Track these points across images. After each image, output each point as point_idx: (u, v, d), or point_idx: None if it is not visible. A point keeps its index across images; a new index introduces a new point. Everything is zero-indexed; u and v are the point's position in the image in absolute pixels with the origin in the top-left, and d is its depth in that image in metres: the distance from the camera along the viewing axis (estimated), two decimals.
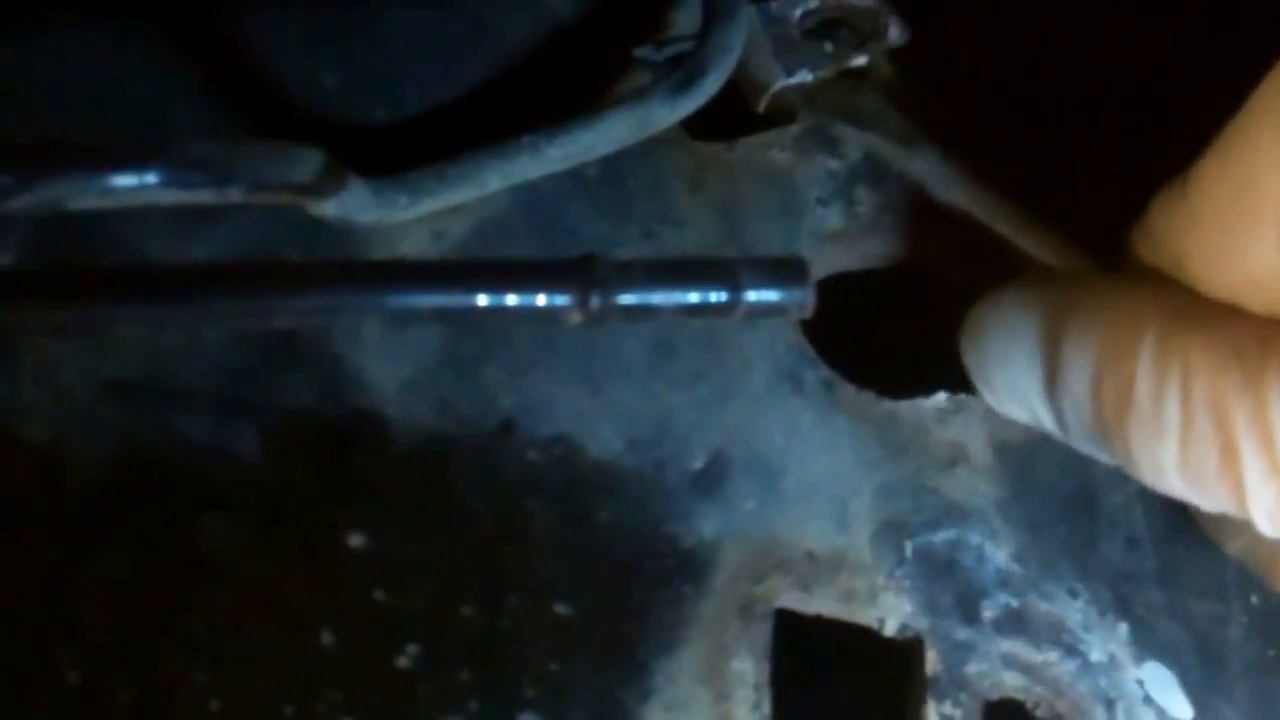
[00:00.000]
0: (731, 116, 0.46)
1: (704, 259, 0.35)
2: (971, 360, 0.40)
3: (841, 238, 0.46)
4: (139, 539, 0.36)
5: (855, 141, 0.47)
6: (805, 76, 0.46)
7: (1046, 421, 0.38)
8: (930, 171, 0.45)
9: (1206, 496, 0.34)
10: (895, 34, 0.47)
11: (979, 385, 0.41)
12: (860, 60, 0.47)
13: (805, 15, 0.47)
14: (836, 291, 0.43)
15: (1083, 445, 0.38)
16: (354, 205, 0.37)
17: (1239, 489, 0.33)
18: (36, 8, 0.39)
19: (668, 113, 0.42)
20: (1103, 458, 0.38)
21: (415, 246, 0.42)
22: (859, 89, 0.47)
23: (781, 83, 0.46)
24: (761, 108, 0.47)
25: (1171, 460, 0.34)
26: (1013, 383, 0.39)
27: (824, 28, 0.48)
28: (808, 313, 0.34)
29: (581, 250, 0.42)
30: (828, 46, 0.47)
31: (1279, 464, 0.32)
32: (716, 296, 0.33)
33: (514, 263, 0.34)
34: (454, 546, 0.38)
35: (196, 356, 0.38)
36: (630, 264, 0.34)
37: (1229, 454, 0.32)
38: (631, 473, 0.40)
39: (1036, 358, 0.37)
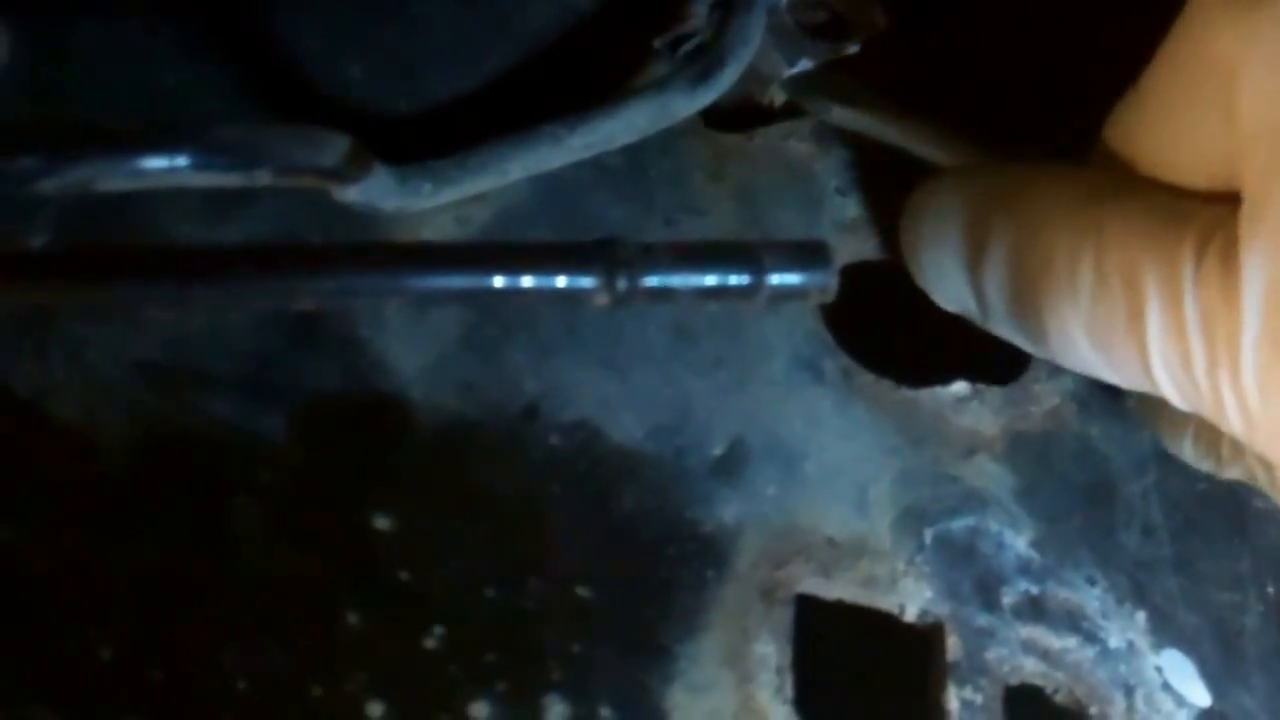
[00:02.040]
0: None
1: (727, 241, 0.35)
2: (906, 244, 0.42)
3: (860, 226, 0.47)
4: (168, 519, 0.36)
5: (854, 126, 0.47)
6: (806, 66, 0.46)
7: (970, 304, 0.40)
8: (928, 147, 0.45)
9: (1113, 364, 0.35)
10: (879, 20, 0.47)
11: (912, 269, 0.42)
12: (853, 48, 0.47)
13: (796, 6, 0.48)
14: (855, 280, 0.43)
15: (1002, 326, 0.39)
16: (379, 191, 0.37)
17: (1143, 351, 0.33)
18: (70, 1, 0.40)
19: (687, 103, 0.42)
20: (1019, 340, 0.39)
21: (439, 233, 0.42)
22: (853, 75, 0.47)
23: (787, 73, 0.46)
24: (768, 100, 0.48)
25: (1081, 325, 0.35)
26: (940, 263, 0.40)
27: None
28: (830, 296, 0.34)
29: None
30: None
31: (1184, 324, 0.32)
32: (739, 279, 0.34)
33: (539, 245, 0.34)
34: (478, 529, 0.38)
35: (224, 340, 0.39)
36: (654, 246, 0.34)
37: (1135, 316, 0.33)
38: (653, 458, 0.41)
39: (963, 236, 0.39)
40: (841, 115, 0.46)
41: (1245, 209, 0.31)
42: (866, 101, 0.46)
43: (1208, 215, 0.33)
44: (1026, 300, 0.37)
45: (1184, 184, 0.35)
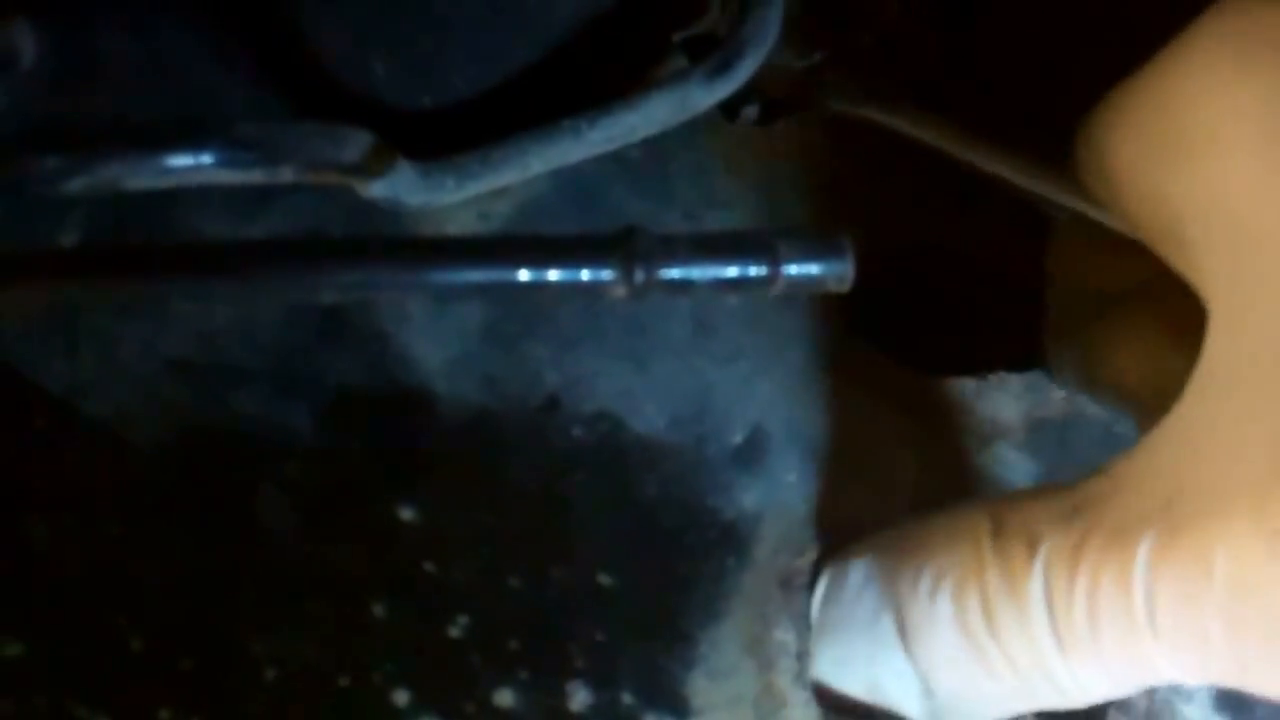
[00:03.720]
0: None
1: (744, 231, 0.36)
2: (828, 666, 0.39)
3: None
4: (198, 512, 0.37)
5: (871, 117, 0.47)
6: (816, 59, 0.47)
7: (909, 692, 0.36)
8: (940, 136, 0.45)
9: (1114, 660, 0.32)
10: (893, 10, 0.47)
11: (841, 687, 0.39)
12: (865, 39, 0.47)
13: None
14: (876, 268, 0.43)
15: (952, 698, 0.36)
16: (403, 187, 0.37)
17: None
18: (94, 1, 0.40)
19: (706, 94, 0.42)
20: (976, 702, 0.36)
21: (461, 228, 0.43)
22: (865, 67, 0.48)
23: (801, 64, 0.47)
24: (782, 93, 0.48)
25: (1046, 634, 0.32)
26: (866, 662, 0.37)
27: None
28: (847, 285, 0.35)
29: None
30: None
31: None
32: (757, 270, 0.34)
33: (558, 238, 0.35)
34: (501, 520, 0.39)
35: (251, 334, 0.39)
36: (672, 238, 0.35)
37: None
38: (674, 447, 0.41)
39: (883, 614, 0.36)
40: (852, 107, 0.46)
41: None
42: (879, 97, 0.46)
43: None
44: (978, 635, 0.34)
45: (1136, 216, 0.33)
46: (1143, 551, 0.29)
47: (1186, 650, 0.29)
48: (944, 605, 0.34)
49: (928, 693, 0.36)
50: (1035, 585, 0.32)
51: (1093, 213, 0.42)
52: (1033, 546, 0.32)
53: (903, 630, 0.35)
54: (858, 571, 0.37)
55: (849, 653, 0.38)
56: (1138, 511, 0.30)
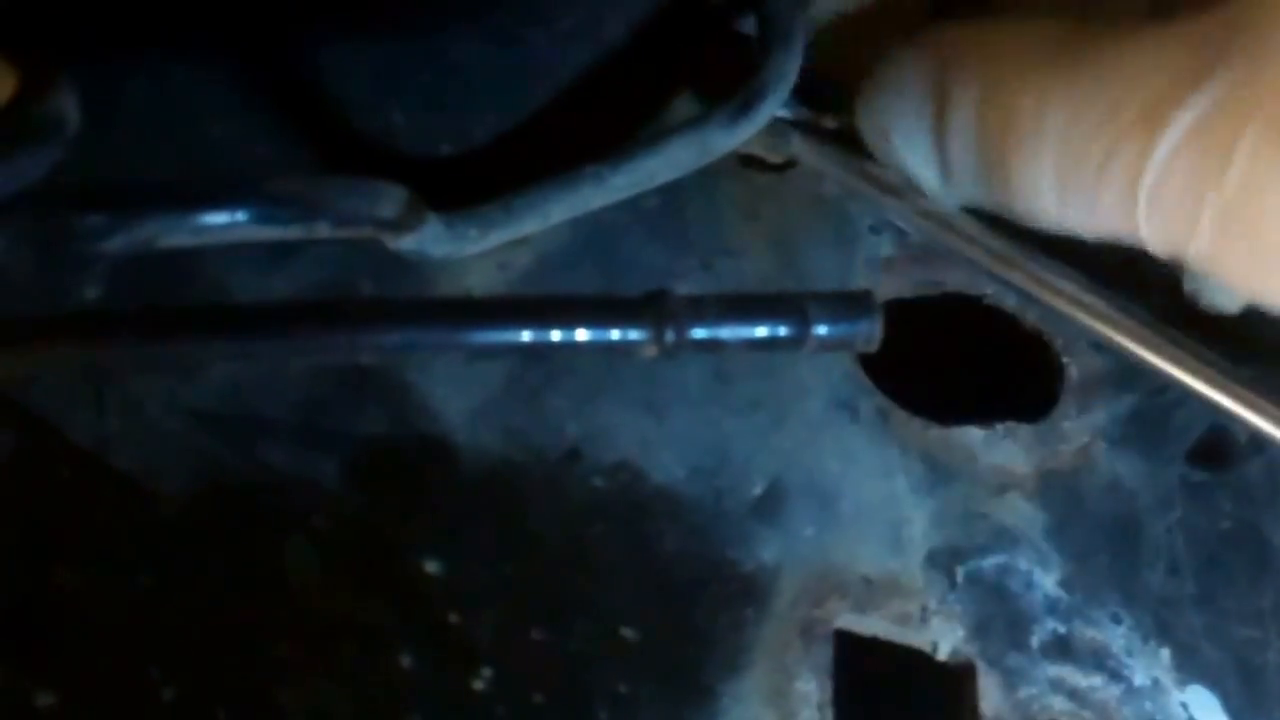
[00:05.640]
0: None
1: (773, 295, 0.36)
2: (867, 120, 0.41)
3: (894, 265, 0.48)
4: (227, 563, 0.37)
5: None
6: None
7: (932, 168, 0.39)
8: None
9: (1082, 209, 0.34)
10: None
11: (871, 139, 0.41)
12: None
13: None
14: (890, 317, 0.44)
15: (964, 185, 0.38)
16: (429, 239, 0.38)
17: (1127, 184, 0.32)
18: (123, 49, 0.40)
19: (727, 138, 0.42)
20: (983, 198, 0.38)
21: (481, 277, 0.43)
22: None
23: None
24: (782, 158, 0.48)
25: (1049, 172, 0.34)
26: (905, 131, 0.39)
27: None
28: (875, 345, 0.35)
29: (641, 280, 0.44)
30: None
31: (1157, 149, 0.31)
32: (785, 331, 0.35)
33: (590, 299, 0.35)
34: (524, 572, 0.39)
35: (276, 387, 0.39)
36: (701, 299, 0.35)
37: (1111, 154, 0.32)
38: (693, 499, 0.42)
39: (927, 101, 0.38)
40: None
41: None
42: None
43: (1192, 43, 0.31)
44: (994, 155, 0.36)
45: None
46: (1167, 139, 0.30)
47: (1175, 225, 0.31)
48: (973, 120, 0.36)
49: (943, 177, 0.38)
50: (1052, 132, 0.33)
51: None
52: (1064, 96, 0.33)
53: (938, 122, 0.37)
54: (920, 57, 0.38)
55: (892, 117, 0.39)
56: (1168, 97, 0.31)
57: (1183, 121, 0.30)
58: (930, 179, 0.39)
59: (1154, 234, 0.32)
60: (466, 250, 0.40)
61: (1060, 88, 0.33)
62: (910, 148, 0.39)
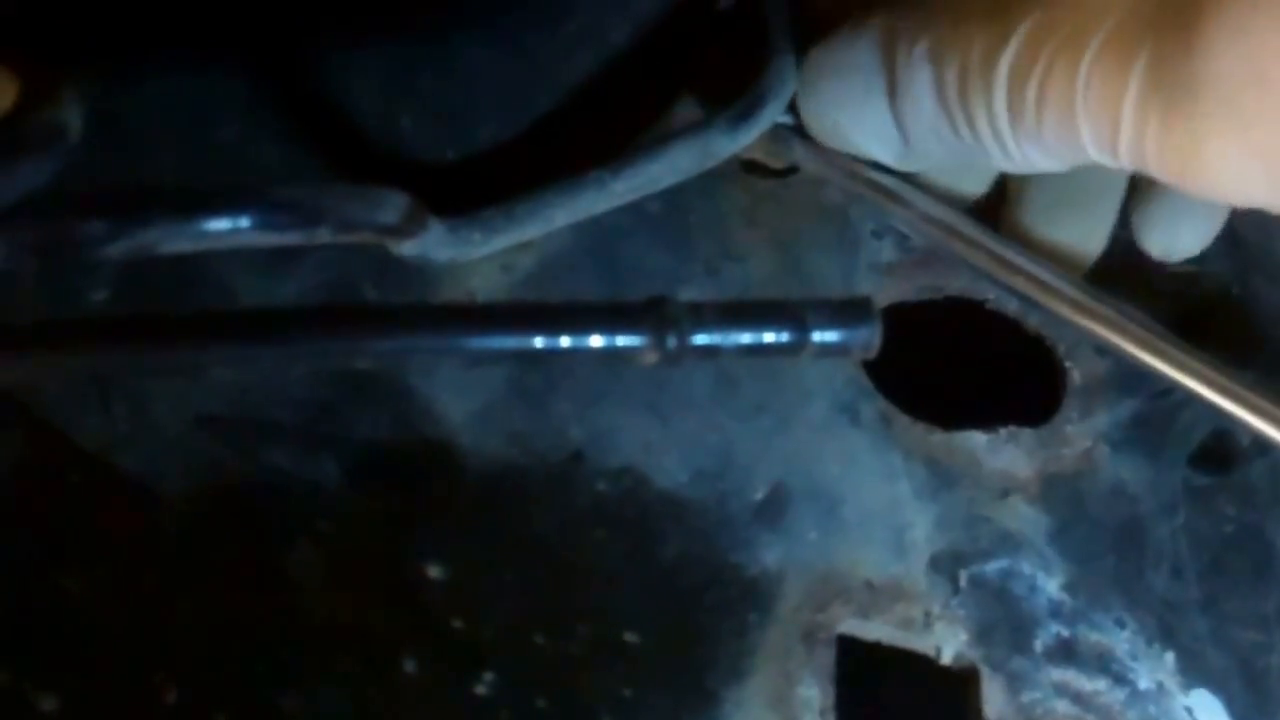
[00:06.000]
0: None
1: (772, 301, 0.36)
2: (813, 107, 0.43)
3: (896, 269, 0.48)
4: (230, 566, 0.37)
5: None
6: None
7: (888, 142, 0.41)
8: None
9: (1033, 136, 0.36)
10: None
11: (819, 127, 0.43)
12: None
13: None
14: (891, 322, 0.44)
15: (926, 145, 0.40)
16: (432, 244, 0.38)
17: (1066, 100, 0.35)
18: (126, 56, 0.41)
19: (729, 142, 0.42)
20: (943, 154, 0.40)
21: (484, 281, 0.43)
22: None
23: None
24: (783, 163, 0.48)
25: (1002, 108, 0.36)
26: (856, 107, 0.41)
27: None
28: (874, 353, 0.35)
29: (645, 284, 0.44)
30: None
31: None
32: (785, 337, 0.35)
33: (590, 305, 0.35)
34: (527, 576, 0.40)
35: (280, 391, 0.40)
36: (701, 306, 0.35)
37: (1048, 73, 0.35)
38: (697, 503, 0.42)
39: (877, 72, 0.40)
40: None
41: None
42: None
43: None
44: (950, 98, 0.38)
45: None
46: (1088, 54, 0.34)
47: (1105, 134, 0.34)
48: (927, 71, 0.38)
49: (902, 140, 0.40)
50: (1003, 66, 0.36)
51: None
52: (1008, 33, 0.36)
53: (891, 87, 0.40)
54: (866, 34, 0.41)
55: (842, 96, 0.41)
56: (1088, 21, 0.34)
57: (1100, 34, 0.34)
58: (887, 150, 0.41)
59: (1093, 141, 0.35)
60: (470, 254, 0.40)
61: (1000, 28, 0.36)
62: (862, 123, 0.41)
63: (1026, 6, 0.36)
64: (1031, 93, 0.35)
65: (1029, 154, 0.37)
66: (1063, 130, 0.35)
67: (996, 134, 0.37)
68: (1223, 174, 0.33)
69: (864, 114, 0.41)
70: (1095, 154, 0.35)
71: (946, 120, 0.39)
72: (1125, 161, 0.35)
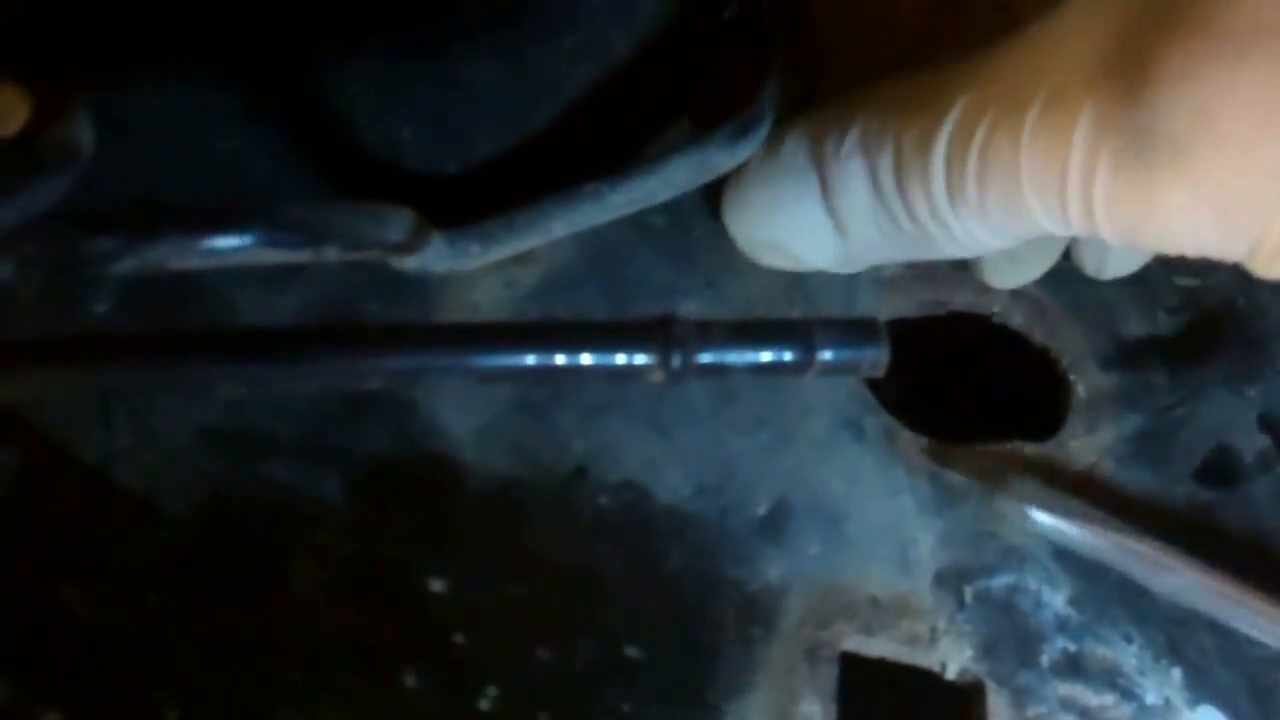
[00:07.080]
0: None
1: (780, 320, 0.36)
2: (741, 220, 0.42)
3: (898, 284, 0.48)
4: (231, 581, 0.37)
5: None
6: None
7: (825, 238, 0.40)
8: None
9: (977, 213, 0.36)
10: None
11: (750, 241, 0.42)
12: None
13: None
14: (894, 336, 0.44)
15: (865, 236, 0.39)
16: (432, 257, 0.38)
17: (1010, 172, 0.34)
18: (125, 68, 0.41)
19: (727, 157, 0.42)
20: (883, 248, 0.40)
21: (487, 295, 0.43)
22: None
23: None
24: None
25: (941, 190, 0.36)
26: (789, 209, 0.41)
27: None
28: (881, 371, 0.35)
29: (647, 299, 0.44)
30: None
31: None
32: (791, 356, 0.35)
33: (597, 325, 0.35)
34: (529, 590, 0.39)
35: (282, 404, 0.39)
36: (709, 325, 0.35)
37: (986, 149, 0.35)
38: (699, 518, 0.42)
39: (808, 171, 0.40)
40: None
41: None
42: None
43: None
44: (884, 185, 0.38)
45: None
46: (1029, 118, 0.33)
47: (1051, 195, 0.34)
48: (860, 163, 0.38)
49: (840, 239, 0.40)
50: (940, 145, 0.35)
51: None
52: (943, 113, 0.36)
53: (824, 184, 0.39)
54: (793, 137, 0.40)
55: (774, 203, 0.41)
56: (1025, 88, 0.34)
57: (1041, 95, 0.33)
58: (826, 253, 0.41)
59: (1040, 205, 0.34)
60: (468, 265, 0.40)
61: (932, 109, 0.36)
62: (797, 228, 0.41)
63: (959, 84, 0.36)
64: (972, 167, 0.35)
65: (974, 233, 0.37)
66: (1008, 200, 0.35)
67: (937, 217, 0.37)
68: (1174, 225, 0.33)
69: (798, 217, 0.40)
70: (1043, 218, 0.35)
71: (884, 211, 0.38)
72: (1074, 222, 0.34)
